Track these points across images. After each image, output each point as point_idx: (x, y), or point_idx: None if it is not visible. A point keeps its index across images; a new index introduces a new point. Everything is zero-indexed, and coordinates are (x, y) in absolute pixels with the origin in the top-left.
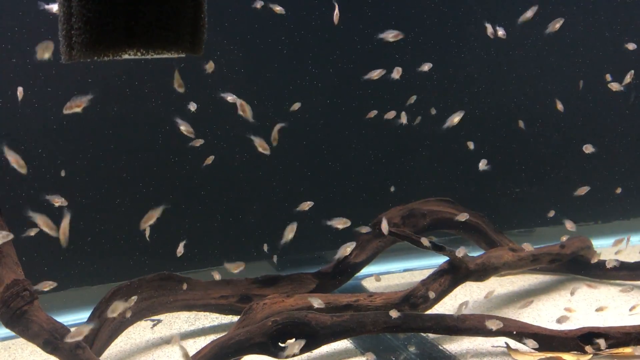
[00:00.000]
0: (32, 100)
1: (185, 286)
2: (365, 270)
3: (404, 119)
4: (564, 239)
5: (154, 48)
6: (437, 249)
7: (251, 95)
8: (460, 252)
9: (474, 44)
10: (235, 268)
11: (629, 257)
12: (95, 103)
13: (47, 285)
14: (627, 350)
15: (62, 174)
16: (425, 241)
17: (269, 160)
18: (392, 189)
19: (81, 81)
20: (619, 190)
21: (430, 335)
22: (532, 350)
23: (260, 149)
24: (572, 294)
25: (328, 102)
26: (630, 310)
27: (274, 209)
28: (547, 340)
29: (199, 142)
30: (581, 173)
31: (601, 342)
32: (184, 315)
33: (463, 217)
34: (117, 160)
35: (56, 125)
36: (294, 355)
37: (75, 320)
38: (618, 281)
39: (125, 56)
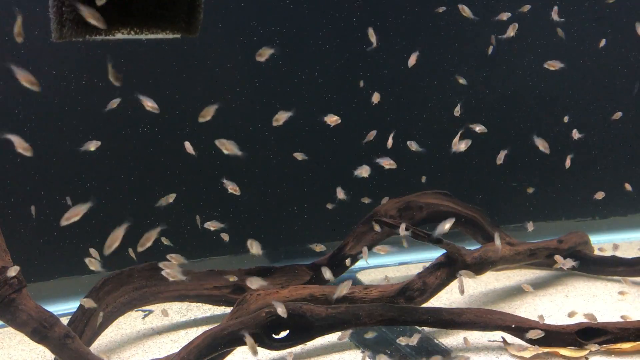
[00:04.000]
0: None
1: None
2: (360, 263)
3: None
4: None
5: (149, 27)
6: (435, 241)
7: (249, 87)
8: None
9: (474, 37)
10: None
11: (627, 253)
12: (86, 98)
13: None
14: (625, 345)
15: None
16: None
17: (264, 152)
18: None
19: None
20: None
21: (426, 329)
22: (529, 345)
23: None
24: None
25: (323, 93)
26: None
27: (268, 199)
28: (544, 335)
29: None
30: (580, 169)
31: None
32: (176, 305)
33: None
34: (108, 151)
35: (51, 118)
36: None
37: (65, 309)
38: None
39: (119, 35)
